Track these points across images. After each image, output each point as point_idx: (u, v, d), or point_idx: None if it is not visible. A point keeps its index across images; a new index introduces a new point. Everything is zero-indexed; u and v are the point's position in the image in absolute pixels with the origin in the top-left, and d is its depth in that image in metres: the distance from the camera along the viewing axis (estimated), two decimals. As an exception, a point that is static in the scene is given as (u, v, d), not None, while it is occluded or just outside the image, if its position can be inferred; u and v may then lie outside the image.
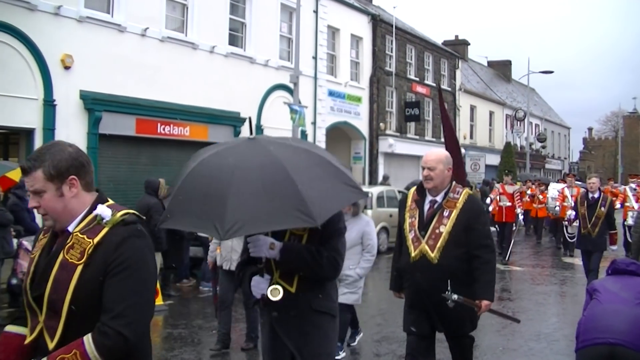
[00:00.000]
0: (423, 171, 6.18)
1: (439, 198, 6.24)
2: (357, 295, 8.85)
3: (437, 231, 6.13)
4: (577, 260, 19.78)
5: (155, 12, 21.48)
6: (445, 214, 6.13)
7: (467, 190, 6.30)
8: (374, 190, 22.13)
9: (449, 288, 5.89)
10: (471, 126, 49.60)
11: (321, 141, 30.23)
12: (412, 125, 39.14)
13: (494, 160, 48.26)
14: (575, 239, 14.84)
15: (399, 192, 23.17)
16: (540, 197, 26.29)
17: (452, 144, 11.49)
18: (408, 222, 6.38)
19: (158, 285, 11.91)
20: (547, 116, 67.12)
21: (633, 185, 21.23)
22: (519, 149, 53.91)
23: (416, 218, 6.32)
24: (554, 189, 24.76)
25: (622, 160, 78.90)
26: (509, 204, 20.86)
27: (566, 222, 19.69)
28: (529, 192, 26.75)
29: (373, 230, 9.09)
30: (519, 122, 53.11)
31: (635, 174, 24.83)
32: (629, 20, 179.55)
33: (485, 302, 6.08)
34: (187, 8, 22.91)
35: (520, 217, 22.05)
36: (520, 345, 9.72)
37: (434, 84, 41.56)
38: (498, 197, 21.42)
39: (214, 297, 10.02)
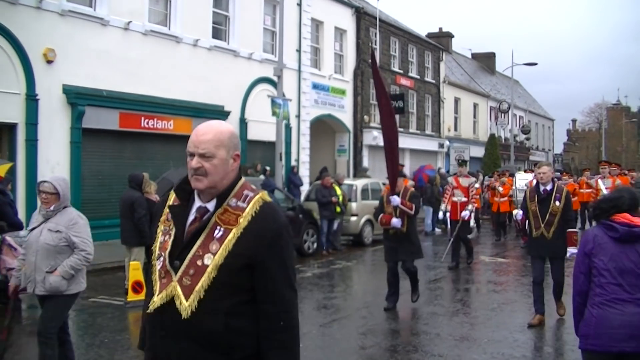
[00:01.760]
0: (191, 161, 3.34)
1: (210, 206, 3.37)
2: None
3: (198, 263, 3.26)
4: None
5: (138, 5, 21.41)
6: (218, 234, 3.28)
7: (262, 194, 3.42)
8: (359, 183, 22.15)
9: None
10: (455, 118, 49.69)
11: (305, 134, 30.25)
12: (396, 118, 39.07)
13: (479, 152, 48.39)
14: (527, 244, 11.85)
15: (383, 184, 23.18)
16: (501, 189, 23.34)
17: (388, 122, 11.29)
18: (158, 244, 3.48)
19: (143, 280, 11.94)
20: (531, 108, 67.27)
21: (606, 180, 18.78)
22: (504, 140, 54.03)
23: (171, 237, 3.40)
24: (521, 179, 22.07)
25: (606, 152, 79.21)
26: (464, 199, 17.28)
27: (514, 224, 18.93)
28: (498, 185, 23.63)
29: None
30: (503, 114, 53.18)
31: (606, 161, 21.79)
32: (612, 13, 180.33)
33: None
34: (170, 1, 22.84)
35: (471, 215, 17.78)
36: (505, 336, 9.76)
37: (417, 76, 41.65)
38: (452, 192, 17.67)
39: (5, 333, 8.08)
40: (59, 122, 18.71)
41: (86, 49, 19.38)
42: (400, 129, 38.81)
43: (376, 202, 21.24)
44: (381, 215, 11.69)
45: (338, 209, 19.54)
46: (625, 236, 5.03)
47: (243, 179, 3.47)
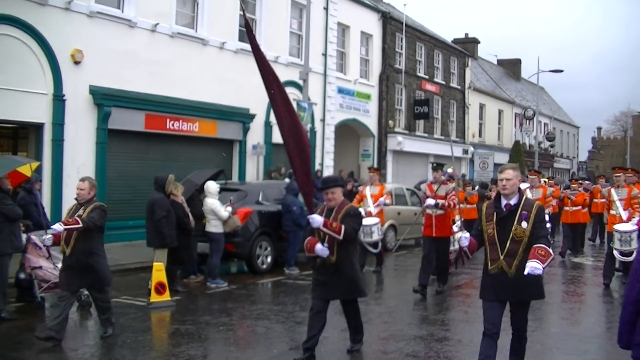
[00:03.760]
0: None
1: None
2: None
3: None
4: (585, 260, 19.80)
5: (166, 7, 21.51)
6: None
7: None
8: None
9: None
10: (480, 124, 49.51)
11: (330, 138, 30.24)
12: (420, 123, 39.07)
13: (503, 159, 48.07)
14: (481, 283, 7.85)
15: (407, 189, 23.13)
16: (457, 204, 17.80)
17: (284, 110, 8.47)
18: None
19: (166, 281, 11.98)
20: (556, 115, 66.91)
21: (621, 190, 15.19)
22: (528, 147, 53.77)
23: None
24: None
25: (631, 160, 78.51)
26: (440, 211, 13.87)
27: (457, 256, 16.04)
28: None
29: None
30: (528, 121, 52.96)
31: (621, 168, 17.12)
32: (637, 22, 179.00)
33: None
34: (197, 4, 22.94)
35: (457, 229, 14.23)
36: (528, 346, 9.69)
37: (443, 82, 41.57)
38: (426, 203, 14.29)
39: None
40: (85, 123, 18.84)
41: (113, 50, 19.51)
42: (424, 135, 38.87)
43: (400, 208, 21.24)
44: (307, 239, 8.62)
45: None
46: None
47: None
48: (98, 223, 9.24)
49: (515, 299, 7.36)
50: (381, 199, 16.26)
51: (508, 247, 7.21)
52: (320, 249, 8.33)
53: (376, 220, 15.65)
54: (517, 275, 7.11)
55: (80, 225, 9.00)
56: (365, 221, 15.00)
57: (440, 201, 13.67)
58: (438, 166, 14.40)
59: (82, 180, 9.65)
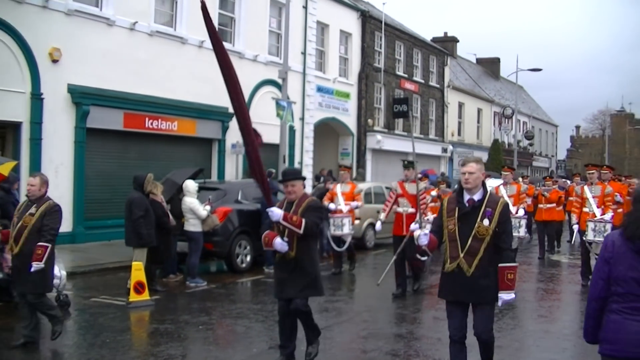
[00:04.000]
0: None
1: None
2: None
3: None
4: (564, 258, 19.93)
5: (145, 6, 21.44)
6: None
7: None
8: (362, 187, 22.09)
9: None
10: (459, 123, 49.64)
11: (309, 137, 30.25)
12: (400, 122, 39.16)
13: (482, 157, 48.26)
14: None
15: (387, 188, 23.16)
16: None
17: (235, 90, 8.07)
18: None
19: (145, 280, 11.95)
20: (534, 114, 67.24)
21: (595, 187, 14.80)
22: (507, 146, 53.97)
23: None
24: (488, 186, 20.08)
25: (609, 159, 79.10)
26: (412, 209, 13.48)
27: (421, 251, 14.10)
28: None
29: None
30: (507, 120, 53.19)
31: (595, 165, 16.49)
32: (615, 22, 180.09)
33: None
34: (176, 2, 22.89)
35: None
36: (509, 343, 9.75)
37: (422, 81, 41.68)
38: (396, 201, 13.98)
39: None
40: (63, 122, 18.76)
41: (92, 48, 19.43)
42: (404, 133, 38.93)
43: (380, 206, 21.25)
44: (266, 232, 8.27)
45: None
46: None
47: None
48: (56, 232, 8.99)
49: (474, 300, 6.88)
50: (353, 203, 16.24)
51: (469, 245, 6.77)
52: (279, 243, 7.91)
53: (348, 214, 15.99)
54: (476, 274, 6.73)
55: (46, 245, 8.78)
56: (337, 214, 15.75)
57: (424, 220, 12.04)
58: (409, 164, 13.94)
59: (33, 176, 9.33)
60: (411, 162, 13.66)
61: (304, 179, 8.62)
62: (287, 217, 7.84)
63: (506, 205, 6.95)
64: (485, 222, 6.74)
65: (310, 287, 8.19)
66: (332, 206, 16.21)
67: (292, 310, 8.17)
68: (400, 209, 13.69)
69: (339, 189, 16.58)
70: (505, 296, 6.70)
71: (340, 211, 16.01)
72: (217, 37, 8.12)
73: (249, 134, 7.80)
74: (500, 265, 6.71)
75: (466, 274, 6.75)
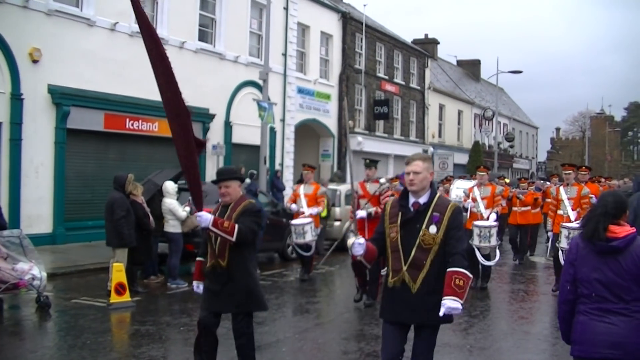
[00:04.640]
0: None
1: None
2: None
3: None
4: (544, 260, 20.00)
5: (125, 6, 21.07)
6: None
7: None
8: (343, 188, 22.14)
9: None
10: (440, 125, 49.84)
11: (290, 138, 30.28)
12: (380, 124, 39.25)
13: (462, 159, 48.52)
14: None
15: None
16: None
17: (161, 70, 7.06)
18: None
19: (125, 282, 11.92)
20: (515, 116, 67.54)
21: (571, 189, 14.04)
22: (487, 148, 54.21)
23: None
24: (459, 188, 19.70)
25: (589, 160, 79.52)
26: (373, 209, 12.71)
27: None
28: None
29: None
30: (487, 122, 53.37)
31: (572, 165, 15.30)
32: (593, 25, 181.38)
33: None
34: (157, 3, 22.86)
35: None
36: (490, 344, 9.79)
37: (403, 82, 41.77)
38: (357, 202, 12.57)
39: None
40: (43, 122, 18.67)
41: (72, 49, 19.36)
42: (384, 135, 39.02)
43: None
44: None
45: (324, 213, 19.38)
46: (603, 250, 5.06)
47: None
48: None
49: (418, 320, 5.73)
50: (314, 210, 15.22)
51: (413, 255, 5.68)
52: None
53: (309, 219, 14.83)
54: (422, 291, 5.63)
55: None
56: (298, 221, 14.80)
57: (373, 209, 12.59)
58: (371, 163, 13.27)
59: None
60: (374, 161, 13.45)
61: (240, 179, 7.63)
62: (217, 223, 6.80)
63: (457, 209, 5.82)
64: (432, 229, 5.67)
65: (249, 302, 7.20)
66: (294, 207, 15.42)
67: (233, 331, 7.34)
68: (361, 213, 12.35)
69: (302, 190, 15.54)
70: (450, 303, 5.41)
71: (302, 214, 15.17)
72: (147, 22, 6.80)
73: (186, 130, 7.27)
74: (448, 269, 5.54)
75: (411, 291, 5.66)
